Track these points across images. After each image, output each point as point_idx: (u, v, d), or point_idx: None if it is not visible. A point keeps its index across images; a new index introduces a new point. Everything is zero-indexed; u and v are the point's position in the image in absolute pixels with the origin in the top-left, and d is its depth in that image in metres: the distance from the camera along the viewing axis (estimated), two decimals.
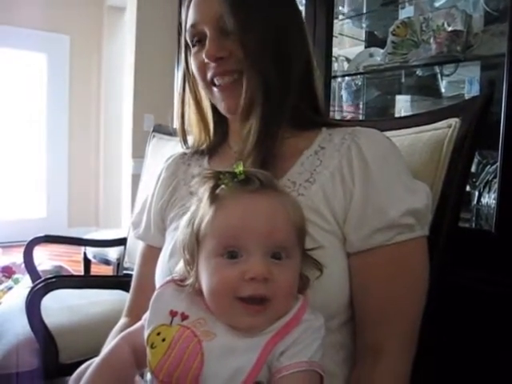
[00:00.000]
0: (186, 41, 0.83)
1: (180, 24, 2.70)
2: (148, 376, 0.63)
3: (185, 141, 0.92)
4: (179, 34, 2.79)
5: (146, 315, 0.65)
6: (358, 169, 0.73)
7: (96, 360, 0.66)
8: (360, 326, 0.73)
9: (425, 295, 0.73)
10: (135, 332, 0.67)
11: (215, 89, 0.79)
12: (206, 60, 0.76)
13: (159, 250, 0.86)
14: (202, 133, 0.89)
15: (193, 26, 0.79)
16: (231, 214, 0.59)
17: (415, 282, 0.72)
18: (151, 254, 0.89)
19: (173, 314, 0.61)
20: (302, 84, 0.80)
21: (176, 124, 0.90)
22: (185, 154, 0.94)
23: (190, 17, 0.80)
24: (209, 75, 0.79)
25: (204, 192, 0.62)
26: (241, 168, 0.61)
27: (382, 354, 0.69)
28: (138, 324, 0.68)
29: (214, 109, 0.86)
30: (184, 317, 0.61)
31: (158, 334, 0.60)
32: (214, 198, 0.61)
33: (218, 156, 0.89)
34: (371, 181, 0.71)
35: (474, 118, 0.82)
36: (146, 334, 0.61)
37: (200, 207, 0.62)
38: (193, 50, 0.81)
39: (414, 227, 0.70)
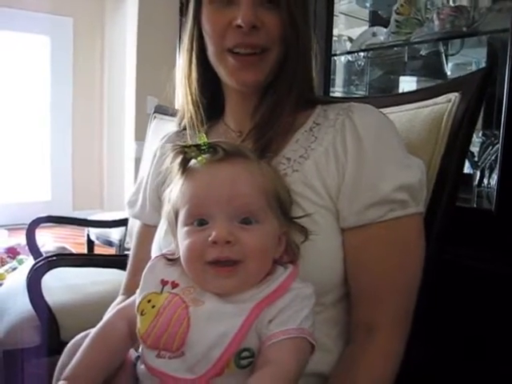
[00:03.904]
0: None
1: (182, 4, 2.66)
2: (141, 348, 0.63)
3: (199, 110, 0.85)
4: (181, 14, 2.77)
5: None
6: (352, 144, 0.72)
7: (91, 332, 0.67)
8: (354, 303, 0.73)
9: (419, 273, 0.72)
10: (129, 306, 0.68)
11: (231, 58, 0.74)
12: (240, 23, 0.71)
13: (155, 228, 0.86)
14: (199, 107, 0.84)
15: None
16: (197, 184, 0.62)
17: (409, 259, 0.72)
18: (147, 233, 0.90)
19: (164, 282, 0.63)
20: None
21: (179, 99, 0.87)
22: (179, 131, 0.92)
23: None
24: (230, 42, 0.74)
25: (174, 166, 0.64)
26: (204, 140, 0.62)
27: (375, 330, 0.69)
28: (132, 298, 0.69)
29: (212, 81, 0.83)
30: (174, 285, 0.63)
31: (149, 301, 0.61)
32: (183, 170, 0.64)
33: (214, 133, 0.86)
34: (364, 156, 0.71)
35: (474, 92, 0.80)
36: (137, 302, 0.63)
37: (173, 181, 0.65)
38: (210, 7, 0.76)
39: (407, 203, 0.70)
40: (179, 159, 0.63)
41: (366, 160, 0.71)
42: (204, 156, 0.62)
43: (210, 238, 0.58)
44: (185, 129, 0.87)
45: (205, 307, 0.58)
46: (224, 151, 0.61)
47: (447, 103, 0.82)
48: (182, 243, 0.62)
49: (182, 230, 0.63)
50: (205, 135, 0.64)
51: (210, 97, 0.84)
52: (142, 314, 0.61)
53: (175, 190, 0.65)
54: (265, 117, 0.76)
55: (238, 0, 0.73)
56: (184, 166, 0.64)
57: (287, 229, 0.65)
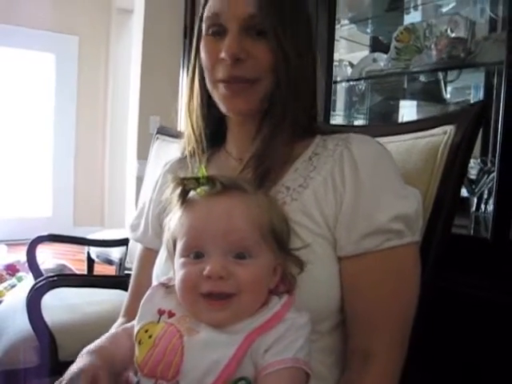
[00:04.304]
0: (199, 28, 0.80)
1: (186, 26, 2.71)
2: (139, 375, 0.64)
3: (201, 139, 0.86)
4: (185, 37, 2.81)
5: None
6: (349, 174, 0.73)
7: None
8: (350, 330, 0.74)
9: (415, 301, 0.73)
10: (132, 328, 0.69)
11: (222, 86, 0.76)
12: (224, 56, 0.73)
13: (156, 252, 0.88)
14: (200, 136, 0.86)
15: (216, 14, 0.75)
16: (194, 217, 0.63)
17: (405, 287, 0.73)
18: (148, 257, 0.91)
19: (161, 312, 0.64)
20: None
21: (182, 123, 0.88)
22: (182, 158, 0.92)
23: (212, 5, 0.76)
24: (219, 74, 0.76)
25: (173, 197, 0.66)
26: (203, 172, 0.64)
27: (371, 357, 0.70)
28: (134, 322, 0.70)
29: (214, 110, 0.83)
30: (171, 314, 0.64)
31: (146, 331, 0.63)
32: (182, 201, 0.65)
33: (216, 161, 0.87)
34: (361, 186, 0.72)
35: (469, 125, 0.83)
36: (135, 331, 0.64)
37: (173, 210, 0.67)
38: (206, 38, 0.78)
39: (403, 233, 0.71)
40: (178, 190, 0.65)
41: (363, 190, 0.72)
42: (203, 188, 0.64)
43: (204, 272, 0.59)
44: (191, 155, 0.89)
45: (199, 336, 0.59)
46: (221, 184, 0.63)
47: (443, 135, 0.84)
48: (178, 273, 0.63)
49: (178, 261, 0.64)
50: (204, 168, 0.66)
51: (212, 125, 0.86)
52: (139, 344, 0.62)
53: (174, 219, 0.66)
54: (261, 145, 0.77)
55: (227, 32, 0.74)
56: (183, 198, 0.65)
57: (283, 260, 0.66)
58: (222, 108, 0.79)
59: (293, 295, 0.66)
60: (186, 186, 0.64)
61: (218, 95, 0.78)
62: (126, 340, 0.68)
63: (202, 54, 0.79)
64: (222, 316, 0.60)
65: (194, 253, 0.62)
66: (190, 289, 0.61)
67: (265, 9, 0.72)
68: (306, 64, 0.78)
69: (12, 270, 2.69)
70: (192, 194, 0.65)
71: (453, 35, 1.61)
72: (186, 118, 0.86)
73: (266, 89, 0.76)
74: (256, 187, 0.69)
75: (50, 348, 1.43)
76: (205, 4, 0.79)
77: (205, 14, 0.78)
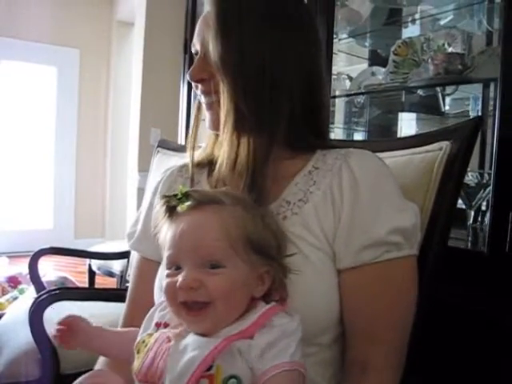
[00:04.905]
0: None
1: (186, 40, 2.72)
2: None
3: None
4: (185, 51, 2.84)
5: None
6: (348, 188, 0.75)
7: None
8: (349, 341, 0.75)
9: (413, 311, 0.75)
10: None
11: (203, 104, 0.84)
12: (188, 79, 0.82)
13: (152, 261, 0.88)
14: (208, 146, 0.90)
15: (192, 42, 0.84)
16: (173, 232, 0.66)
17: (403, 300, 0.74)
18: (144, 266, 0.91)
19: (157, 325, 0.68)
20: (304, 108, 0.80)
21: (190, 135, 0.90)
22: (183, 166, 0.94)
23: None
24: (197, 92, 0.84)
25: (159, 213, 0.69)
26: (181, 190, 0.68)
27: (370, 368, 0.71)
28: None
29: None
30: (166, 325, 0.68)
31: (143, 341, 0.66)
32: (167, 217, 0.68)
33: (217, 172, 0.88)
34: (360, 199, 0.74)
35: (463, 141, 0.84)
36: (135, 344, 0.67)
37: (160, 226, 0.70)
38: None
39: (401, 246, 0.72)
40: (164, 207, 0.68)
41: (362, 203, 0.73)
42: (184, 204, 0.66)
43: (177, 284, 0.63)
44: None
45: (184, 341, 0.62)
46: (195, 200, 0.66)
47: (439, 151, 0.86)
48: (163, 284, 0.67)
49: (164, 272, 0.68)
50: (182, 185, 0.70)
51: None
52: (137, 353, 0.65)
53: (161, 234, 0.70)
54: (246, 160, 0.77)
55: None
56: (168, 213, 0.68)
57: (269, 268, 0.67)
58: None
59: (282, 302, 0.68)
60: (168, 202, 0.68)
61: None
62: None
63: None
64: (202, 325, 0.63)
65: (175, 266, 0.66)
66: (172, 299, 0.64)
67: (213, 34, 0.77)
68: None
69: (14, 282, 2.70)
70: (171, 210, 0.68)
71: (450, 49, 1.64)
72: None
73: (225, 109, 0.77)
74: (239, 200, 0.70)
75: (51, 361, 1.44)
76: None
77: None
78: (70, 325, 0.71)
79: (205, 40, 0.79)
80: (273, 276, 0.67)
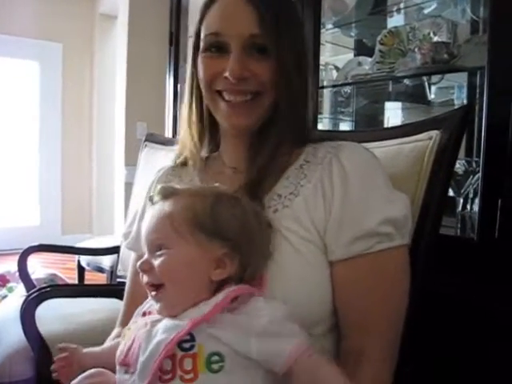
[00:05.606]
0: (195, 43, 0.83)
1: (171, 33, 2.69)
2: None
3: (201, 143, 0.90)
4: (170, 43, 2.81)
5: None
6: (338, 180, 0.76)
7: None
8: (342, 332, 0.75)
9: (406, 302, 0.75)
10: None
11: (222, 102, 0.80)
12: (228, 76, 0.76)
13: None
14: (197, 144, 0.89)
15: (216, 34, 0.78)
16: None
17: (395, 290, 0.75)
18: None
19: (144, 314, 0.73)
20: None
21: (170, 129, 0.93)
22: (175, 167, 0.95)
23: (211, 23, 0.79)
24: (219, 87, 0.79)
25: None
26: (157, 187, 0.74)
27: (363, 360, 0.71)
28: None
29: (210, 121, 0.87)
30: (149, 313, 0.71)
31: (129, 329, 0.71)
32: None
33: (211, 169, 0.90)
34: (350, 191, 0.74)
35: (453, 130, 0.85)
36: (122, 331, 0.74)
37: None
38: (203, 54, 0.80)
39: (393, 236, 0.73)
40: (149, 205, 0.76)
41: (352, 195, 0.74)
42: (154, 200, 0.74)
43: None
44: (184, 164, 0.93)
45: (158, 325, 0.65)
46: (160, 195, 0.73)
47: (428, 140, 0.86)
48: None
49: None
50: (158, 187, 0.74)
51: (209, 134, 0.89)
52: (122, 339, 0.71)
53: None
54: (262, 159, 0.80)
55: (228, 49, 0.77)
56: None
57: (229, 251, 0.68)
58: (222, 123, 0.83)
59: (256, 285, 0.70)
60: (151, 201, 0.75)
61: (217, 111, 0.82)
62: None
63: (200, 69, 0.81)
64: (162, 307, 0.68)
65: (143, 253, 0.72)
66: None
67: (266, 28, 0.75)
68: (305, 77, 0.82)
69: (2, 280, 2.66)
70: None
71: (436, 38, 1.64)
72: (185, 132, 0.89)
73: (266, 104, 0.79)
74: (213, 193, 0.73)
75: (44, 359, 1.43)
76: (201, 20, 0.81)
77: (203, 32, 0.80)
78: (67, 359, 0.75)
79: (248, 34, 0.75)
80: (239, 260, 0.69)
